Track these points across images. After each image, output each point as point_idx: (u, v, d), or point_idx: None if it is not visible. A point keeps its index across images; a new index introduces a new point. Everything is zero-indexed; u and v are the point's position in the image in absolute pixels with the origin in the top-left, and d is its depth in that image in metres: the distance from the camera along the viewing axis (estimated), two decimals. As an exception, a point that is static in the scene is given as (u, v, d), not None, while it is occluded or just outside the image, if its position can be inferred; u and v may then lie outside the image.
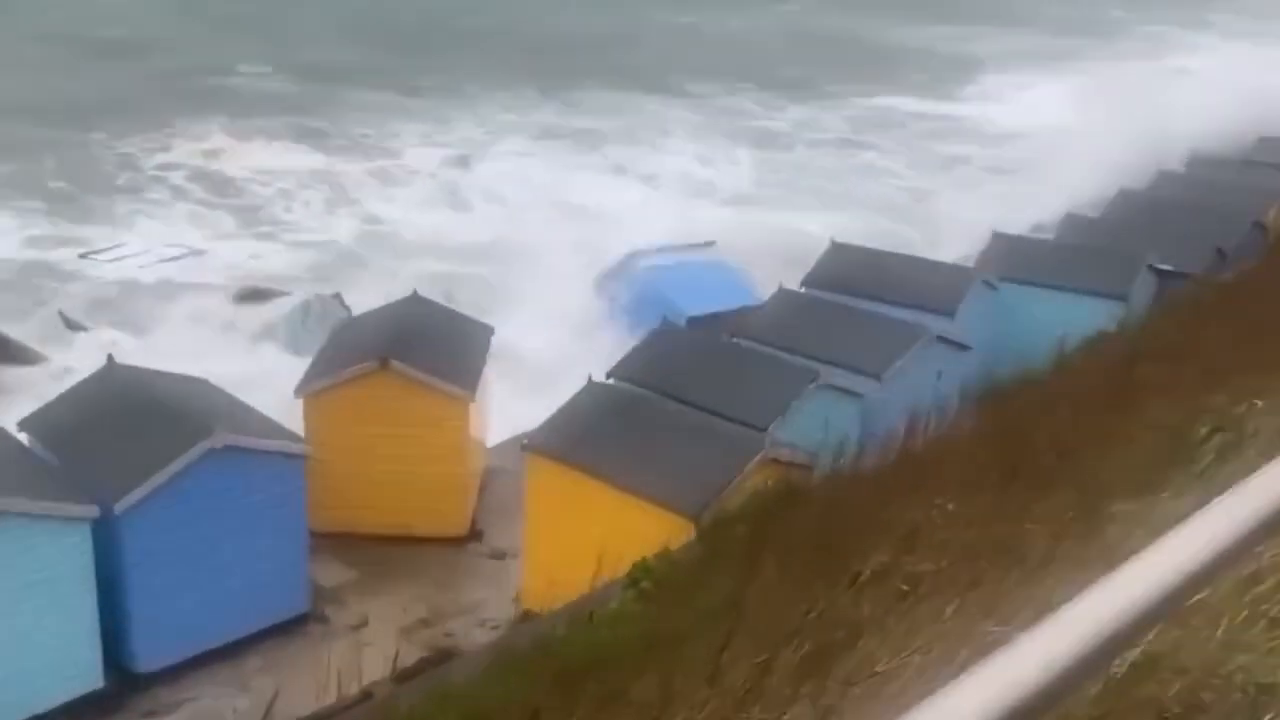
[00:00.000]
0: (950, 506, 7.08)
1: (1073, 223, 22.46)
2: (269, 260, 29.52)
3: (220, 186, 34.91)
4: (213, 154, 37.27)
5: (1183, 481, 6.44)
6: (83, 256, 29.28)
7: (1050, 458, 7.68)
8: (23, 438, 14.51)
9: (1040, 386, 11.83)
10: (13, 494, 12.48)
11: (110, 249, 29.74)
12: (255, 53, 47.72)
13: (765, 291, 19.92)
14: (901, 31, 59.60)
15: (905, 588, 5.65)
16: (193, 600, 14.04)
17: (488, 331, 19.05)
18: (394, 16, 53.78)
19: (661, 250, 24.09)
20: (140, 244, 29.99)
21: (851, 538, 7.88)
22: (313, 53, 47.74)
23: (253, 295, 26.62)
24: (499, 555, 17.01)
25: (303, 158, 37.66)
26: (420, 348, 17.16)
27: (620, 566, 12.19)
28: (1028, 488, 7.20)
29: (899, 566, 6.31)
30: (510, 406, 18.77)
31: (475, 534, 17.52)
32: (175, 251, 29.60)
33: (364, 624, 15.41)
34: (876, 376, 16.56)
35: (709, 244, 24.84)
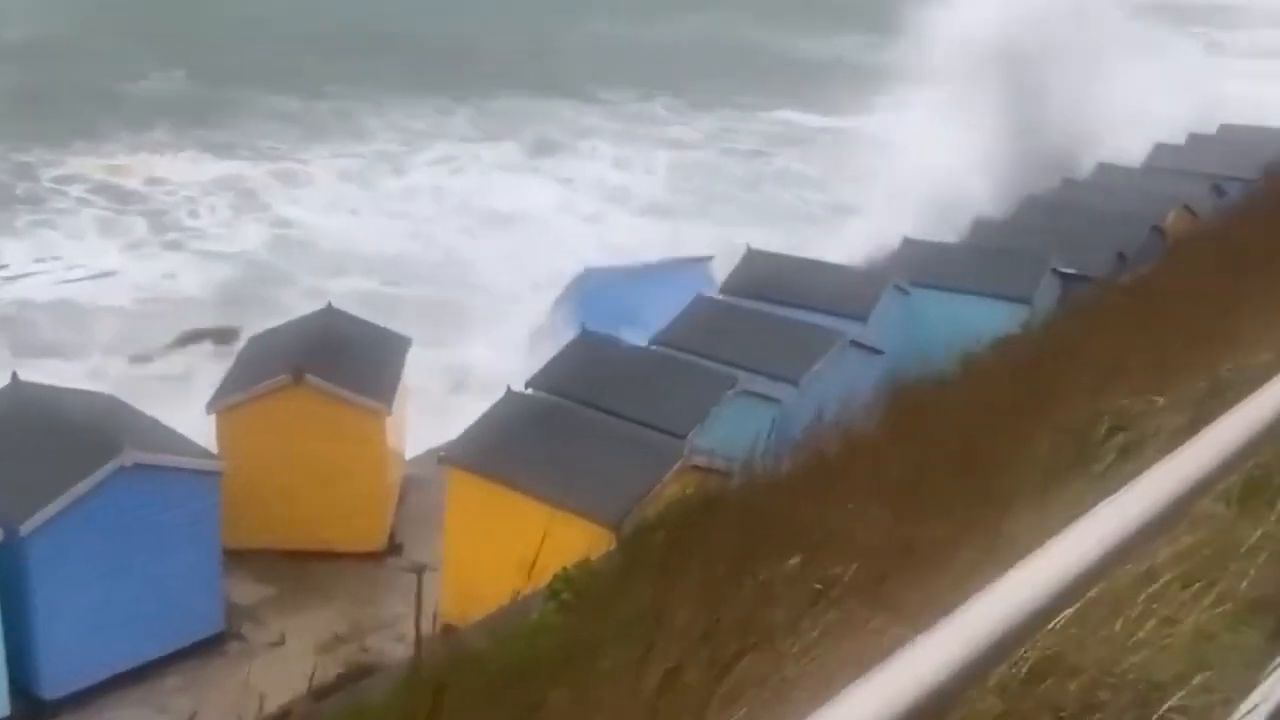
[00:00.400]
0: (861, 509, 7.22)
1: (980, 227, 22.96)
2: (182, 280, 28.73)
3: (125, 199, 34.04)
4: (116, 167, 36.30)
5: (1085, 481, 6.64)
6: None
7: (957, 459, 7.86)
8: (-79, 460, 14.07)
9: (948, 389, 12.09)
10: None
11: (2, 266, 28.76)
12: (164, 59, 46.69)
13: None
14: (813, 43, 60.25)
15: (818, 591, 5.74)
16: (104, 622, 13.72)
17: (404, 343, 18.89)
18: (307, 23, 52.93)
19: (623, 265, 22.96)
20: (36, 262, 28.98)
21: (767, 543, 7.98)
22: (222, 59, 46.83)
23: (194, 337, 25.47)
24: (418, 569, 16.84)
25: (210, 168, 36.94)
26: (335, 361, 16.97)
27: (541, 578, 12.19)
28: (935, 489, 7.36)
29: (812, 570, 6.42)
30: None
31: (394, 548, 17.36)
32: (81, 272, 28.70)
33: (282, 641, 15.19)
34: (794, 382, 16.76)
35: (708, 258, 23.06)
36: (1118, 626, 3.73)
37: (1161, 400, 7.81)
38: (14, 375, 15.35)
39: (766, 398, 16.26)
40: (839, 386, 16.10)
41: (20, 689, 13.29)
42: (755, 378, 16.32)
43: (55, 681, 13.56)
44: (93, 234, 31.30)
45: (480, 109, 44.86)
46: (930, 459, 8.42)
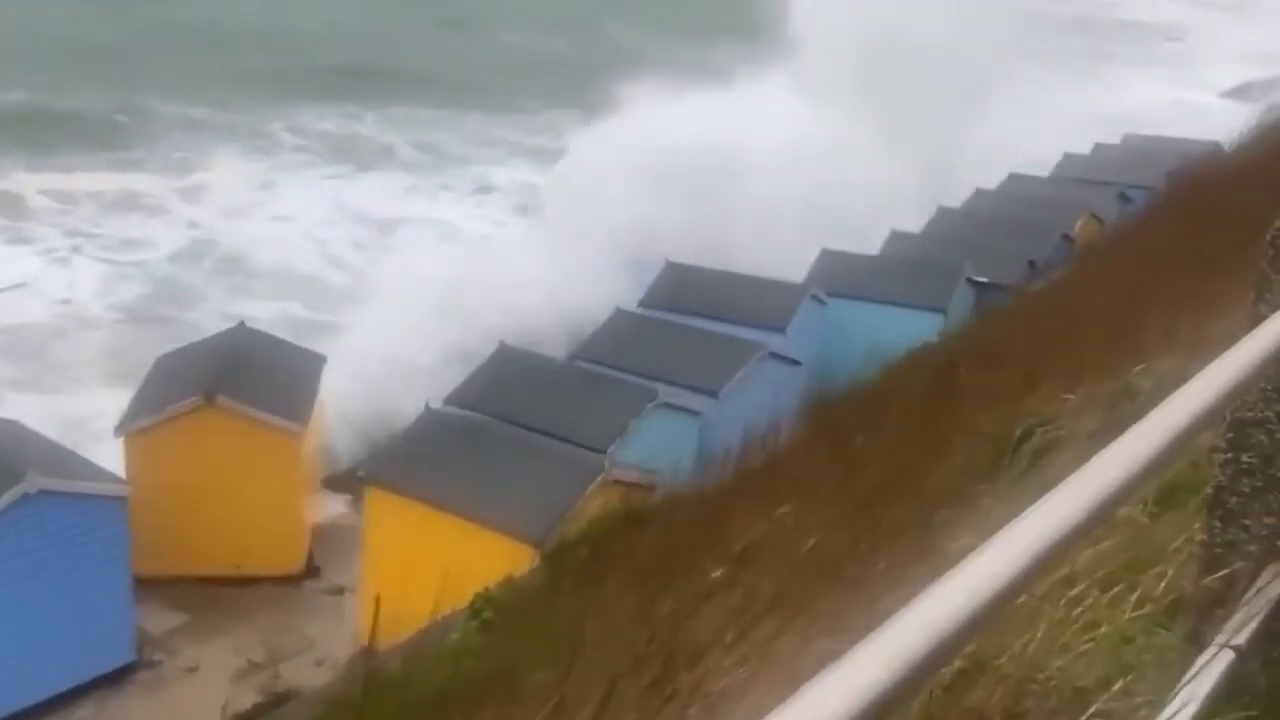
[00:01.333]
0: (784, 520, 7.21)
1: (896, 239, 23.25)
2: (103, 291, 27.70)
3: (26, 213, 32.93)
4: (12, 179, 35.04)
5: (1003, 485, 6.70)
6: None
7: (878, 468, 7.89)
8: None
9: (867, 398, 12.18)
10: None
11: None
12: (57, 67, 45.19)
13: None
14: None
15: (744, 605, 5.71)
16: (10, 654, 13.24)
17: (319, 361, 18.57)
18: (208, 27, 51.63)
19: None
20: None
21: (692, 556, 7.95)
22: (120, 67, 45.55)
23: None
24: (336, 591, 16.56)
25: (115, 180, 35.92)
26: (248, 380, 16.61)
27: (463, 597, 12.04)
28: (858, 498, 7.38)
29: (738, 583, 6.39)
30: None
31: (311, 570, 17.02)
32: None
33: (196, 669, 14.80)
34: (713, 394, 16.79)
35: None
36: (1039, 632, 3.73)
37: (1074, 402, 7.92)
38: (-90, 401, 14.82)
39: (686, 410, 16.27)
40: (759, 398, 16.18)
41: (-80, 728, 12.79)
42: (675, 390, 16.32)
43: (-42, 717, 13.07)
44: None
45: (388, 117, 44.16)
46: (852, 467, 8.45)
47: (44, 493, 13.17)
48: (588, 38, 55.57)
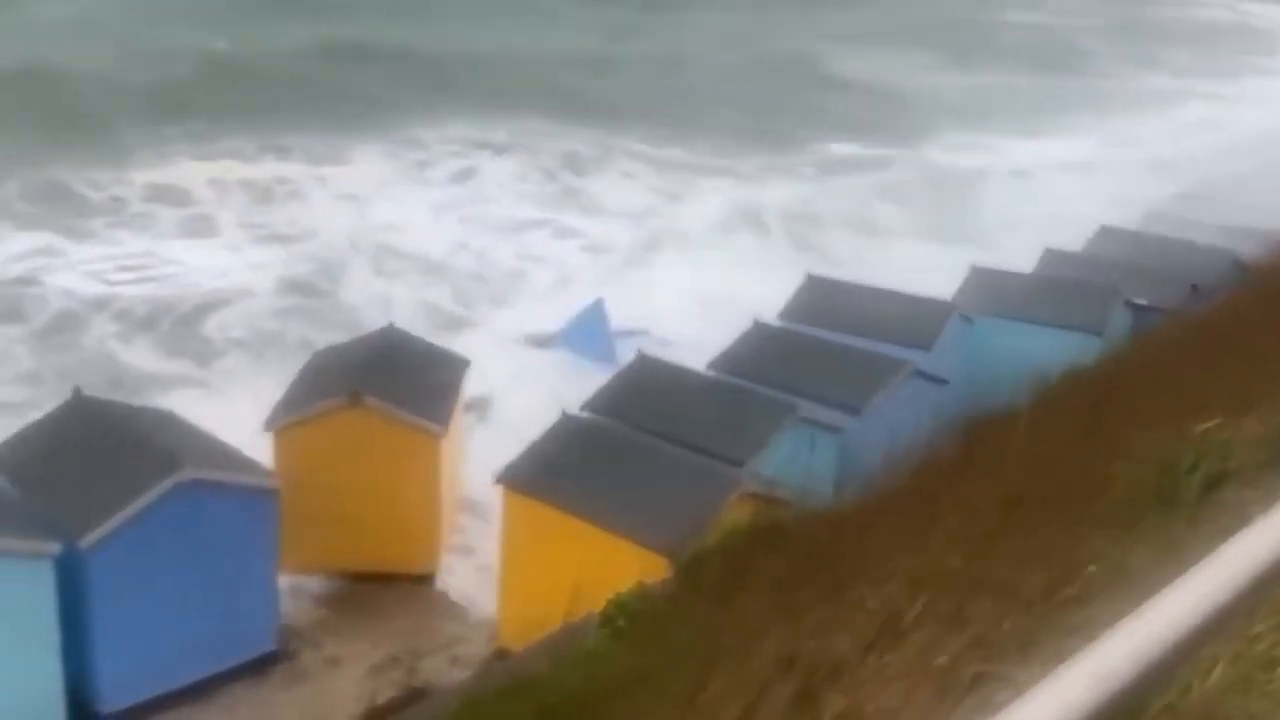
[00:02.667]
0: (932, 541, 6.97)
1: (1052, 257, 22.54)
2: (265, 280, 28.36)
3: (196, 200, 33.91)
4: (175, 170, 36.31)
5: (1166, 516, 6.35)
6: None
7: (1032, 491, 7.57)
8: (-15, 472, 14.21)
9: (1019, 420, 11.76)
10: (-29, 529, 12.20)
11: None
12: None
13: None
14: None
15: (887, 626, 5.51)
16: (159, 638, 13.73)
17: (463, 364, 18.87)
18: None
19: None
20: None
21: (833, 573, 7.75)
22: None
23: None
24: (471, 592, 16.77)
25: (267, 169, 36.78)
26: (393, 381, 16.95)
27: (596, 603, 12.02)
28: (1009, 523, 7.09)
29: (880, 603, 6.18)
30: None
31: (447, 569, 17.27)
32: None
33: (335, 662, 15.12)
34: (855, 411, 16.46)
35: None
36: (1218, 669, 3.48)
37: (1239, 435, 7.50)
38: (76, 390, 15.51)
39: (827, 426, 15.99)
40: (902, 416, 15.79)
41: (76, 702, 13.32)
42: (815, 406, 16.04)
43: (111, 695, 13.57)
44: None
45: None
46: (1001, 491, 8.15)
47: (197, 482, 13.62)
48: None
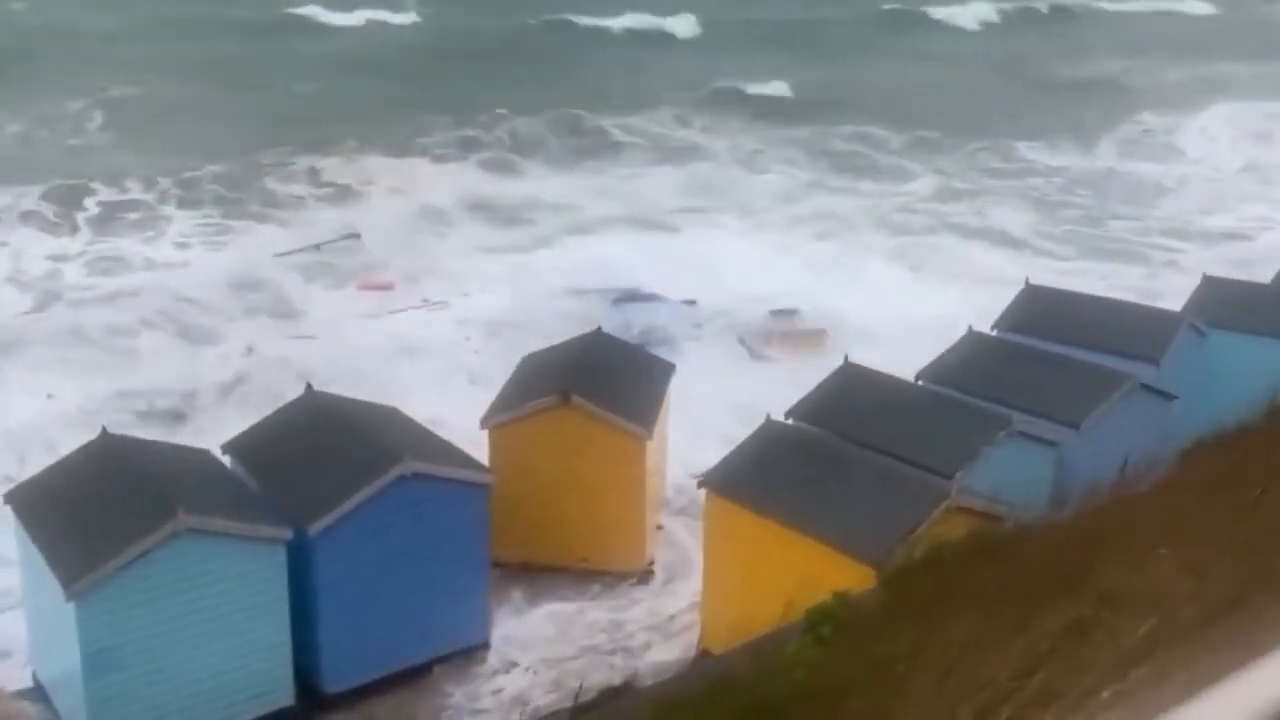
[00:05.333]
0: (1157, 564, 6.63)
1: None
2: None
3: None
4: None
5: None
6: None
7: (1271, 516, 7.12)
8: (226, 460, 15.22)
9: (1254, 440, 11.06)
10: (214, 514, 13.07)
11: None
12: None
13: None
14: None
15: (1109, 651, 5.28)
16: (379, 623, 14.40)
17: (668, 369, 19.08)
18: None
19: None
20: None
21: (1047, 594, 7.47)
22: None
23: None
24: (674, 592, 16.93)
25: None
26: (601, 384, 17.31)
27: (798, 610, 11.93)
28: (1244, 548, 6.69)
29: (1100, 626, 5.93)
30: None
31: (651, 570, 17.50)
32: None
33: (540, 655, 15.51)
34: (1074, 425, 15.79)
35: None
36: None
37: None
38: (308, 386, 16.43)
39: (1044, 441, 15.39)
40: (1126, 432, 15.08)
41: (303, 681, 14.11)
42: (1032, 419, 15.46)
43: (335, 675, 14.32)
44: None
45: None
46: (1232, 514, 7.69)
47: (417, 475, 14.23)
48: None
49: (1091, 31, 69.81)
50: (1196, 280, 20.61)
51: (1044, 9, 76.20)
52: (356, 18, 62.86)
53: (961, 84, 54.10)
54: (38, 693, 14.25)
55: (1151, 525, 7.88)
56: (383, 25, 62.94)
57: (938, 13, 71.29)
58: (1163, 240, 34.69)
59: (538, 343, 20.38)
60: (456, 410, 19.23)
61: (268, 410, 16.84)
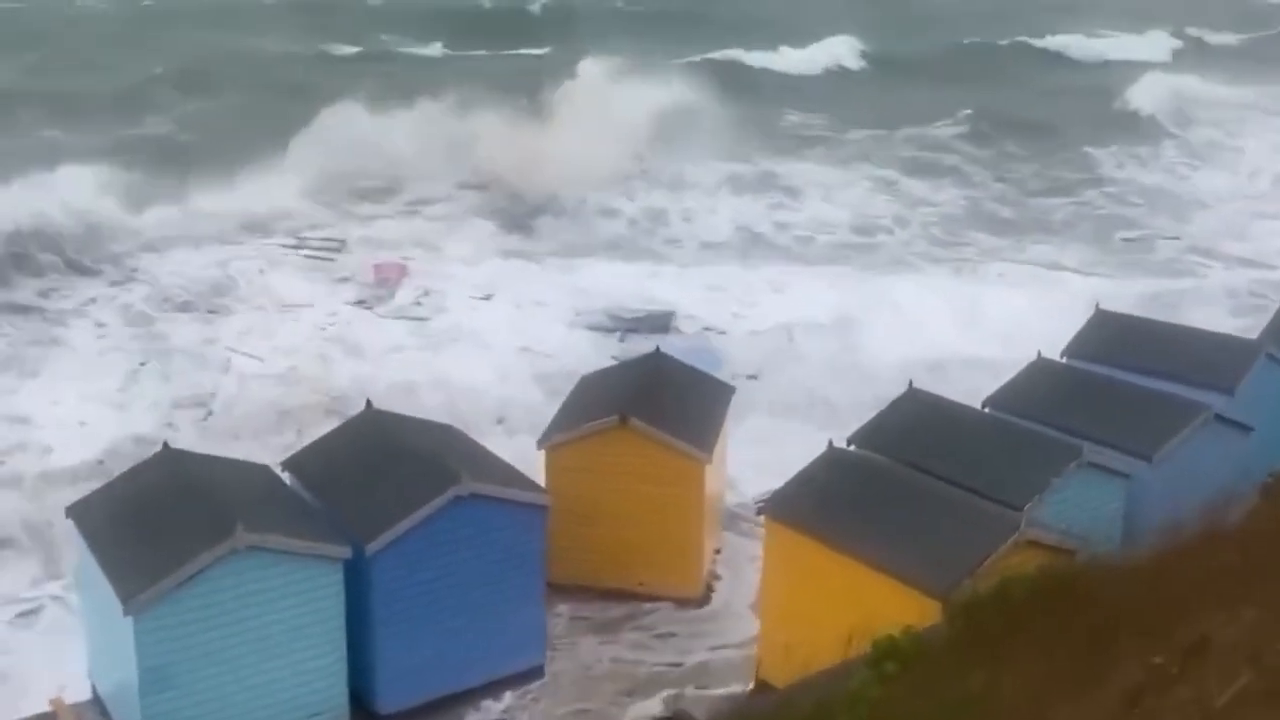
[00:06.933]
0: (1245, 613, 6.30)
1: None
2: None
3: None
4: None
5: None
6: None
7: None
8: (285, 477, 15.24)
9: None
10: (273, 531, 13.06)
11: None
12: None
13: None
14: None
15: (1196, 710, 4.99)
16: (434, 644, 14.32)
17: (729, 391, 18.86)
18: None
19: None
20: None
21: (1122, 637, 7.17)
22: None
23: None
24: (731, 620, 16.68)
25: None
26: (660, 406, 17.12)
27: (859, 643, 11.64)
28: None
29: (1185, 679, 5.63)
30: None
31: (708, 596, 17.26)
32: None
33: (594, 681, 15.34)
34: (1146, 457, 15.33)
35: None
36: None
37: None
38: (368, 403, 16.44)
39: (1115, 472, 14.96)
40: (1201, 465, 14.63)
41: (358, 701, 14.05)
42: (1103, 450, 15.04)
43: (389, 696, 14.24)
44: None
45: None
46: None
47: (474, 496, 14.14)
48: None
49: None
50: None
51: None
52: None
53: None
54: (96, 705, 14.33)
55: (1240, 568, 7.54)
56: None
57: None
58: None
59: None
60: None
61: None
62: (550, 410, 18.53)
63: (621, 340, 26.86)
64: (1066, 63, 64.19)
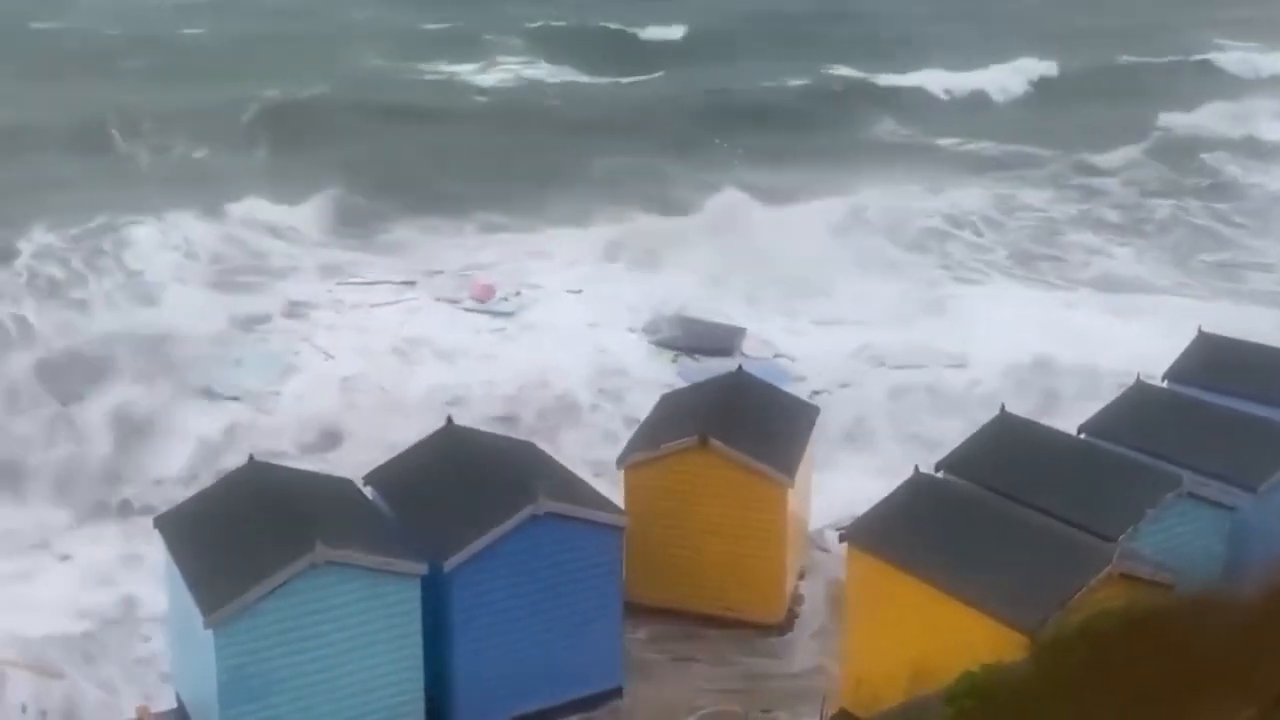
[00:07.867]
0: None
1: None
2: None
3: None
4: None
5: None
6: None
7: None
8: (368, 491, 15.35)
9: None
10: (352, 546, 13.13)
11: None
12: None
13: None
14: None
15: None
16: (511, 662, 14.27)
17: (813, 412, 18.54)
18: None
19: None
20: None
21: (1217, 687, 6.78)
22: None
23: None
24: (812, 646, 16.35)
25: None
26: (742, 426, 16.87)
27: (941, 675, 11.31)
28: None
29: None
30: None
31: (790, 622, 16.94)
32: None
33: (670, 707, 15.11)
34: (1251, 489, 14.66)
35: None
36: None
37: None
38: (449, 419, 16.48)
39: (1218, 504, 14.32)
40: (1310, 499, 13.97)
41: (435, 717, 14.03)
42: (1204, 480, 14.40)
43: (466, 713, 14.21)
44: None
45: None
46: None
47: (551, 515, 14.07)
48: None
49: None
50: None
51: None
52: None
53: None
54: (179, 713, 14.55)
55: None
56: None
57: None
58: None
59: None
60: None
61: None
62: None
63: (674, 361, 26.49)
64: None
